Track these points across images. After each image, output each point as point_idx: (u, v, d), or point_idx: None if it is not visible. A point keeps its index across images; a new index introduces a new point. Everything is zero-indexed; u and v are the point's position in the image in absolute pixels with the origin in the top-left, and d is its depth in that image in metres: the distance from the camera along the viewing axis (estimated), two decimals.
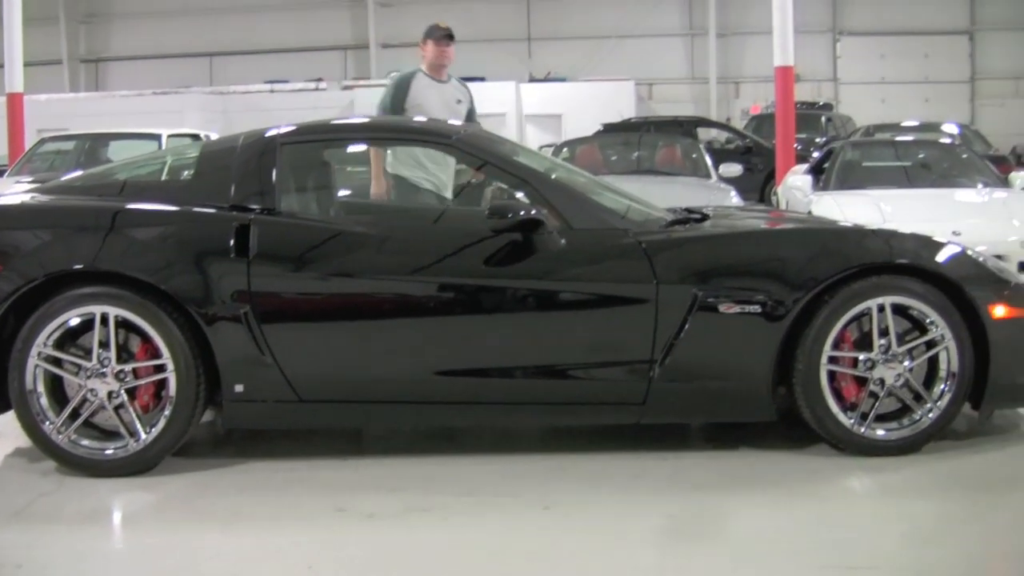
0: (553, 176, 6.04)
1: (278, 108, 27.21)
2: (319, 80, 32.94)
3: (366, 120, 7.11)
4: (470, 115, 8.56)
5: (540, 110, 32.79)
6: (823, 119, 26.99)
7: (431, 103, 8.21)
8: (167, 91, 31.31)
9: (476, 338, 5.50)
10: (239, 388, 5.42)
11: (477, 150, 6.02)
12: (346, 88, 32.49)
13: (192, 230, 5.57)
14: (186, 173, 6.06)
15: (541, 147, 18.70)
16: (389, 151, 7.68)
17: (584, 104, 30.77)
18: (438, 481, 5.30)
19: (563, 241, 5.48)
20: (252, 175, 5.72)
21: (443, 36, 8.45)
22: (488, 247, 5.48)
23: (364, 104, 29.43)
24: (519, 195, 5.75)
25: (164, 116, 24.36)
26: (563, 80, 34.25)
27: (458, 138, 6.12)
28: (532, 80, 34.69)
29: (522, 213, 5.41)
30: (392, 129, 6.85)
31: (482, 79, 33.20)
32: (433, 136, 6.47)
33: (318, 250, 5.53)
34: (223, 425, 5.66)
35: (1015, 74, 37.38)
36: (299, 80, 32.87)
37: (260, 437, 6.00)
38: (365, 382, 5.51)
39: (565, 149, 14.39)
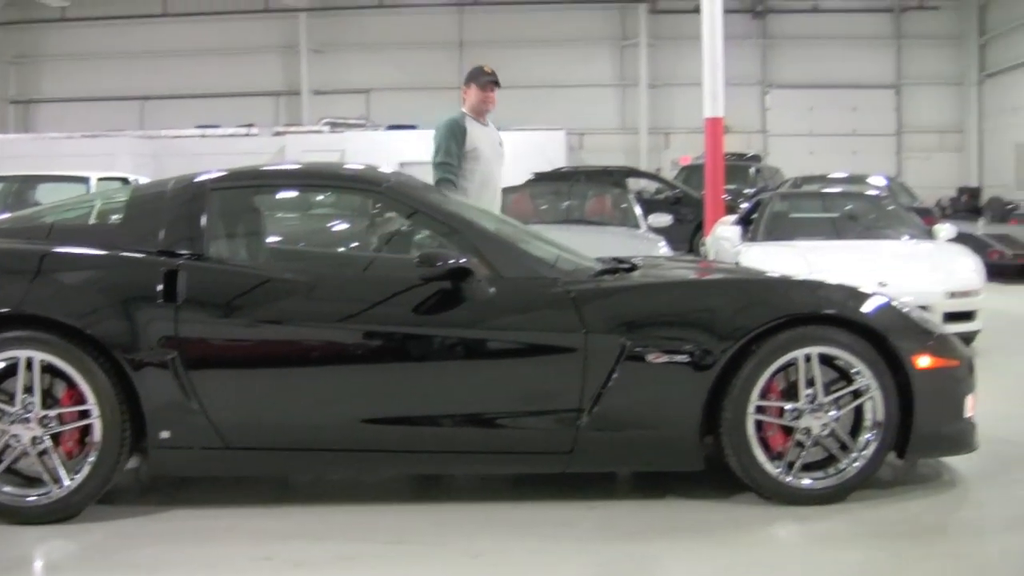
0: (483, 225, 6.05)
1: (209, 153, 26.98)
2: (250, 125, 32.82)
3: (297, 166, 7.10)
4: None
5: None
6: (752, 170, 27.27)
7: (484, 146, 8.19)
8: (97, 134, 31.01)
9: (404, 386, 5.50)
10: (165, 434, 5.37)
11: (407, 198, 6.02)
12: (277, 134, 32.41)
13: (120, 275, 5.54)
14: (115, 217, 6.02)
15: None
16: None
17: (515, 153, 30.59)
18: (366, 529, 5.27)
19: (492, 290, 5.50)
20: (181, 220, 5.70)
21: (489, 81, 8.32)
22: (417, 295, 5.48)
23: (295, 150, 29.38)
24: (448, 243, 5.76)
25: (94, 159, 24.12)
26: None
27: (388, 186, 6.11)
28: None
29: (451, 262, 5.42)
30: (323, 176, 6.83)
31: (414, 127, 33.26)
32: (364, 183, 6.42)
33: (246, 297, 5.51)
34: (148, 472, 5.60)
35: (939, 128, 38.01)
36: (230, 125, 32.74)
37: (186, 484, 5.94)
38: (293, 429, 5.48)
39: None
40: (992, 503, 5.71)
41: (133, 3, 37.11)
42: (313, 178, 6.86)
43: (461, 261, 5.43)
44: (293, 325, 5.50)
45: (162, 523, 5.40)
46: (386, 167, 7.69)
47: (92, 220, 6.23)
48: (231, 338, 5.49)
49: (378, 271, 6.27)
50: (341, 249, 7.71)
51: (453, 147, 8.02)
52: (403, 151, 31.04)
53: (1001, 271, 16.84)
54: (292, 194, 7.78)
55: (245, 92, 37.92)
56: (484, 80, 8.30)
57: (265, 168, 7.06)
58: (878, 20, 38.65)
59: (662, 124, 38.20)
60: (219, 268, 5.61)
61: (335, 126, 33.18)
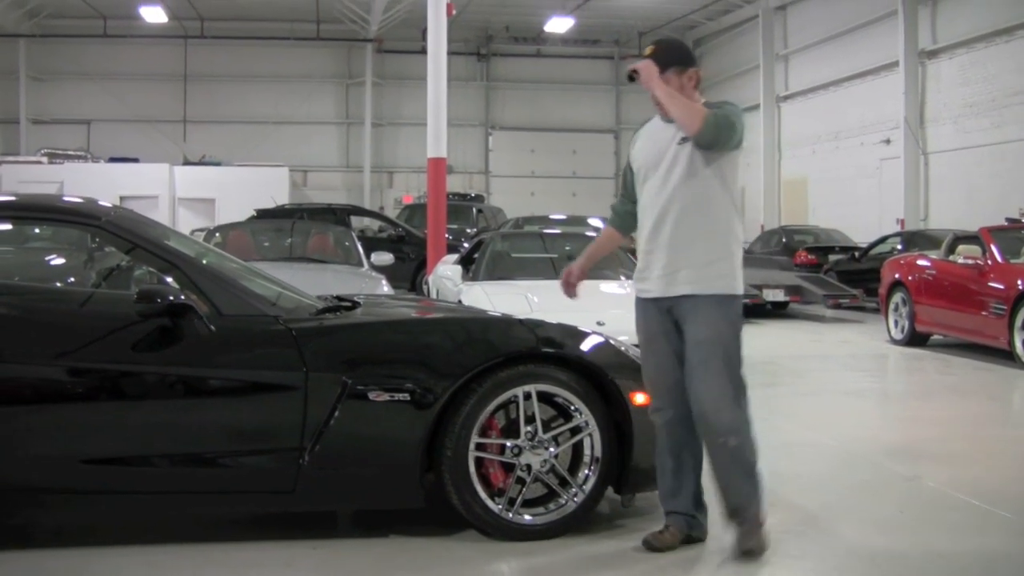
0: (203, 261, 5.94)
1: None
2: None
3: (11, 198, 6.79)
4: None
5: (194, 193, 32.47)
6: (474, 210, 27.69)
7: (644, 156, 5.90)
8: None
9: (124, 425, 5.34)
10: None
11: (126, 232, 5.83)
12: None
13: None
14: None
15: (193, 231, 18.43)
16: None
17: (238, 189, 30.62)
18: (84, 574, 5.09)
19: (212, 327, 5.40)
20: None
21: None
22: (136, 332, 5.34)
23: (11, 181, 28.49)
24: (169, 280, 5.63)
25: None
26: (218, 164, 33.99)
27: (107, 220, 5.90)
28: (186, 163, 34.32)
29: (171, 298, 5.30)
30: (40, 208, 6.55)
31: (136, 160, 32.70)
32: (82, 217, 6.17)
33: None
34: None
35: None
36: None
37: None
38: (6, 471, 5.25)
39: (217, 234, 14.21)
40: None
41: None
42: (29, 210, 6.57)
43: (180, 298, 5.33)
44: (6, 361, 5.28)
45: None
46: (106, 200, 7.48)
47: None
48: None
49: (96, 307, 6.09)
50: (58, 284, 7.47)
51: (625, 171, 6.18)
52: (124, 184, 30.51)
53: None
54: (6, 226, 7.50)
55: None
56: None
57: None
58: (598, 67, 39.83)
59: (386, 163, 38.48)
60: None
61: (54, 157, 32.37)
